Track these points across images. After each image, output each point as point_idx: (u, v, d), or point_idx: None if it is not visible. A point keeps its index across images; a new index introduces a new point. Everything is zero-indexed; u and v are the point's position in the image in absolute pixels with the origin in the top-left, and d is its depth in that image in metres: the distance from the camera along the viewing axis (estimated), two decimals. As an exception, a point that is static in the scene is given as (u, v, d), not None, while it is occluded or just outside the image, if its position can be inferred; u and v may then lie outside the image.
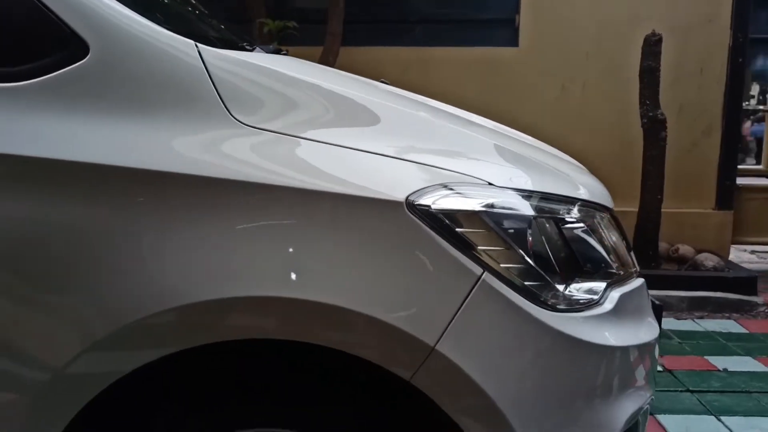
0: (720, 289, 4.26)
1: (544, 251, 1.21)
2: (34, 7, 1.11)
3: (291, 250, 1.10)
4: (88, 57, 1.12)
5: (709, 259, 4.59)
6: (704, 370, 3.19)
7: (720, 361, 3.30)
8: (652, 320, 1.49)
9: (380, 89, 1.59)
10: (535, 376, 1.16)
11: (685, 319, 4.04)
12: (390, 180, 1.14)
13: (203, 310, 1.09)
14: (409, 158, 1.19)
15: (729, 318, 4.08)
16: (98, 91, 1.12)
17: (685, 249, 4.74)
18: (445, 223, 1.12)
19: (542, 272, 1.18)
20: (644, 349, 1.36)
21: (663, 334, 3.58)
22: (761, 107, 6.60)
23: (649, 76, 4.50)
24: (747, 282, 4.38)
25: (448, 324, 1.10)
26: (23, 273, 1.10)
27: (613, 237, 1.41)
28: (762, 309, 4.18)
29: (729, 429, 2.52)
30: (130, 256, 1.08)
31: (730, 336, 3.73)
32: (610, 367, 1.25)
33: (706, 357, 3.37)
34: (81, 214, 1.09)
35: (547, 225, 1.24)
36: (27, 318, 1.10)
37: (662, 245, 4.75)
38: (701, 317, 4.08)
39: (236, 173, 1.10)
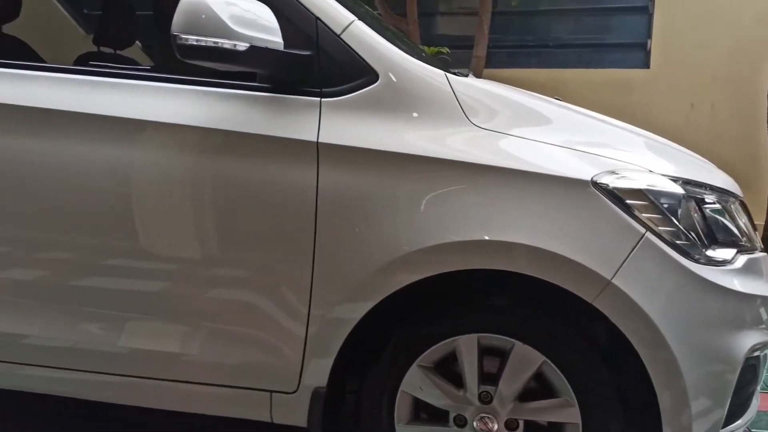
0: None
1: (690, 222, 1.69)
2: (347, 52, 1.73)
3: (508, 212, 1.64)
4: (377, 83, 1.72)
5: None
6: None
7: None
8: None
9: (557, 104, 2.11)
10: (684, 308, 1.64)
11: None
12: (578, 165, 1.67)
13: (450, 248, 1.64)
14: (591, 151, 1.73)
15: None
16: (386, 104, 1.72)
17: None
18: (618, 196, 1.63)
19: (689, 235, 1.66)
20: (765, 300, 1.80)
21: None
22: None
23: (777, 95, 4.78)
24: None
25: (621, 265, 1.60)
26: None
27: (741, 218, 1.87)
28: None
29: None
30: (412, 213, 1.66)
31: None
32: (738, 307, 1.71)
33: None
34: (370, 183, 1.68)
35: (692, 203, 1.71)
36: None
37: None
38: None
39: (475, 157, 1.66)
